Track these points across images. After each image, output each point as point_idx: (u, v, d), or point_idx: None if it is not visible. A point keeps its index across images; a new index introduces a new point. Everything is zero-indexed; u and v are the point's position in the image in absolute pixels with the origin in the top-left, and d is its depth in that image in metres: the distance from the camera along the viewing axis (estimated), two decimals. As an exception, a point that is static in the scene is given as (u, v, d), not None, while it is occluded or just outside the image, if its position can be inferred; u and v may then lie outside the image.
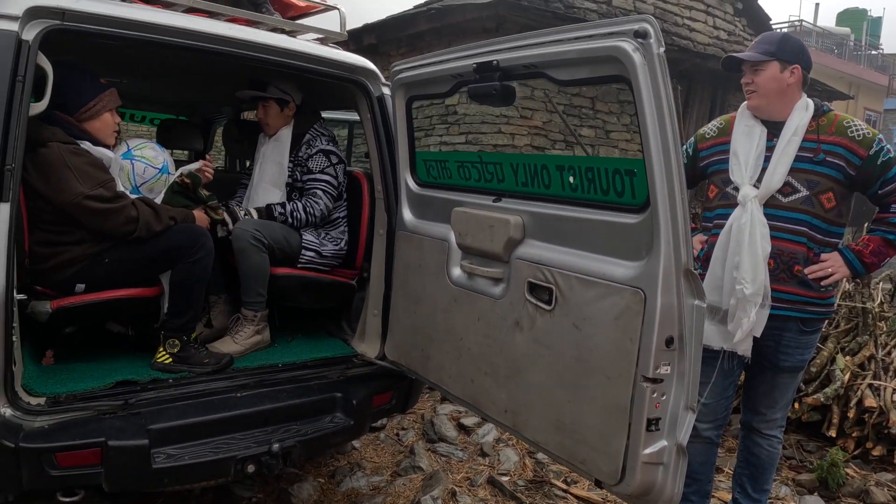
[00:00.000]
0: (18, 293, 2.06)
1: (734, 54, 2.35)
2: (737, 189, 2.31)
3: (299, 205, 3.01)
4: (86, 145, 2.41)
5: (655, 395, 1.66)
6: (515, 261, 2.09)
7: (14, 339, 2.02)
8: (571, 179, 1.97)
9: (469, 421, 3.74)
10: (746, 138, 2.32)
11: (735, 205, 2.30)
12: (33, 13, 2.02)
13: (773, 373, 2.45)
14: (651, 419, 1.66)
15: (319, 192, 3.03)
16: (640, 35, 1.57)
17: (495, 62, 2.03)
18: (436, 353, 2.46)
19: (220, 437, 2.29)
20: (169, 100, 4.59)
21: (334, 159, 3.10)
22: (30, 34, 2.02)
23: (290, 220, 2.99)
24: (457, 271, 2.36)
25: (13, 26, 1.97)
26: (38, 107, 2.19)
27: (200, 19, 2.47)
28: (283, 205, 3.01)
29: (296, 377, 2.64)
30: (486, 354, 2.19)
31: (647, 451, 1.67)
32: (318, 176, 3.05)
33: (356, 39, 7.91)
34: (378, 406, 2.74)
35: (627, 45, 1.60)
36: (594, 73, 1.79)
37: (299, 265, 2.98)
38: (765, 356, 2.40)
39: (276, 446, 2.28)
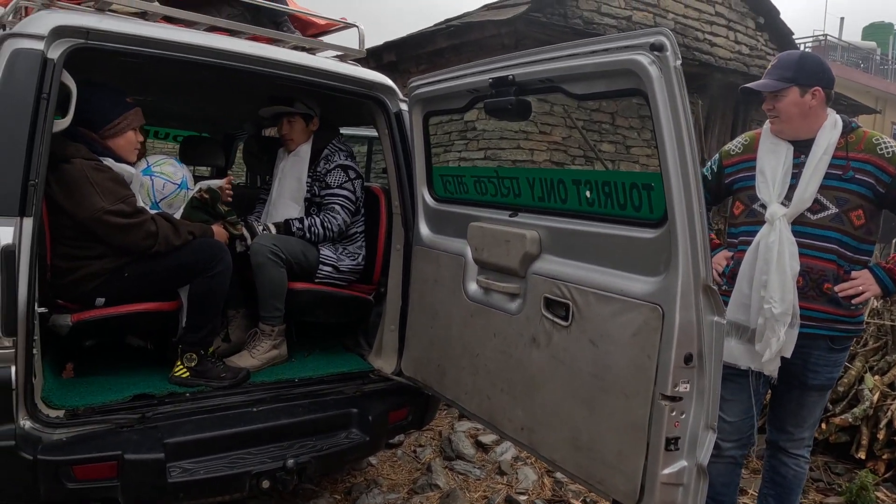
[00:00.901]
0: (40, 306, 2.09)
1: (749, 85, 2.31)
2: (763, 206, 2.27)
3: (317, 220, 3.02)
4: (108, 162, 2.45)
5: (674, 413, 1.62)
6: (532, 276, 2.07)
7: (35, 351, 2.05)
8: (588, 194, 1.96)
9: (487, 438, 3.70)
10: (773, 156, 2.29)
11: (761, 222, 2.26)
12: (58, 32, 2.07)
13: (800, 391, 2.39)
14: (670, 438, 1.62)
15: (337, 207, 3.05)
16: (657, 48, 1.56)
17: (511, 77, 2.03)
18: (452, 369, 2.44)
19: (235, 451, 2.29)
20: (191, 117, 4.66)
21: (352, 174, 3.11)
22: (55, 53, 2.06)
23: (307, 234, 3.00)
24: (473, 286, 2.35)
25: (38, 45, 2.02)
26: (62, 124, 2.23)
27: (222, 37, 2.51)
28: (300, 220, 3.03)
29: (312, 392, 2.64)
30: (502, 371, 2.17)
31: (667, 471, 1.63)
32: (336, 191, 3.07)
33: (376, 57, 7.99)
34: (394, 422, 2.72)
35: (643, 59, 1.59)
36: (610, 86, 1.78)
37: (317, 280, 2.99)
38: (792, 374, 2.35)
39: (291, 462, 2.27)
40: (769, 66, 2.33)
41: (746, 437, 2.46)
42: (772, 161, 2.28)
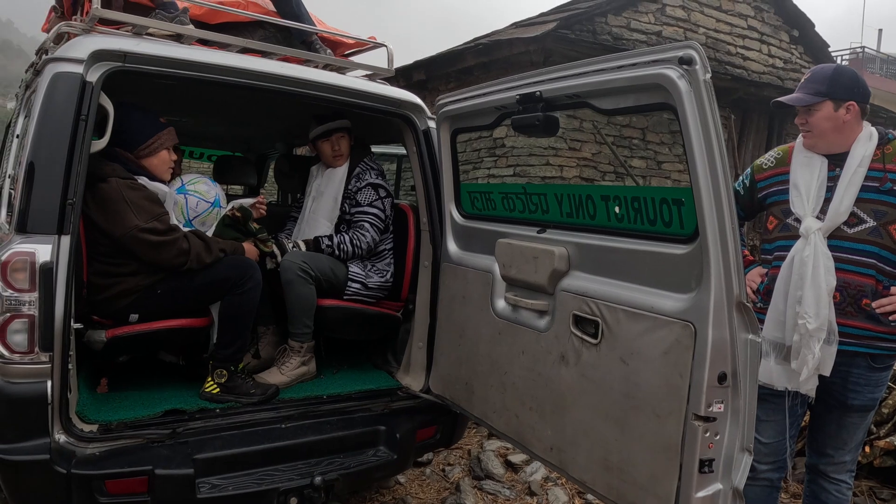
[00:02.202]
0: (75, 322, 2.14)
1: (781, 99, 2.27)
2: (798, 221, 2.22)
3: (346, 237, 3.04)
4: (142, 180, 2.50)
5: (708, 434, 1.58)
6: (560, 293, 2.05)
7: (70, 366, 2.09)
8: (617, 209, 1.93)
9: (517, 458, 3.65)
10: (807, 169, 2.24)
11: (796, 236, 2.20)
12: (97, 56, 2.14)
13: (840, 412, 2.31)
14: (704, 460, 1.58)
15: (367, 225, 3.06)
16: (685, 61, 1.54)
17: (538, 93, 2.03)
18: (480, 386, 2.41)
19: (263, 468, 2.30)
20: (225, 137, 4.76)
21: (382, 193, 3.13)
22: (93, 76, 2.13)
23: (337, 252, 3.02)
24: (501, 303, 2.33)
25: (78, 69, 2.08)
26: (99, 144, 2.29)
27: (254, 59, 2.57)
28: (330, 237, 3.05)
29: (340, 409, 2.63)
30: (530, 389, 2.14)
31: (701, 494, 1.58)
32: (367, 209, 3.09)
33: (406, 76, 8.08)
34: (422, 440, 2.70)
35: (672, 72, 1.57)
36: (639, 101, 1.76)
37: (345, 297, 3.00)
38: (831, 394, 2.27)
39: (318, 479, 2.27)
40: (802, 80, 2.28)
41: (783, 459, 2.38)
42: (806, 174, 2.23)
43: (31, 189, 1.99)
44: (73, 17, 2.62)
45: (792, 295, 2.15)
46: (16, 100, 2.90)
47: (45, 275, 1.94)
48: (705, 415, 1.57)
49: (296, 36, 2.97)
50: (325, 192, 3.19)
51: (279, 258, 2.92)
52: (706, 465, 1.58)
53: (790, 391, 2.20)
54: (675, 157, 7.32)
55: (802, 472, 2.74)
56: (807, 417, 2.45)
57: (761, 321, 2.09)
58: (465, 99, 2.47)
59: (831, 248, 2.14)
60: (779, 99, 2.28)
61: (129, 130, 2.52)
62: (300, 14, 2.94)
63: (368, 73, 2.98)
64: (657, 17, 7.26)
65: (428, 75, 8.04)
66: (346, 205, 3.15)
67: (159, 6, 2.48)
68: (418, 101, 2.89)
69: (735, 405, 1.59)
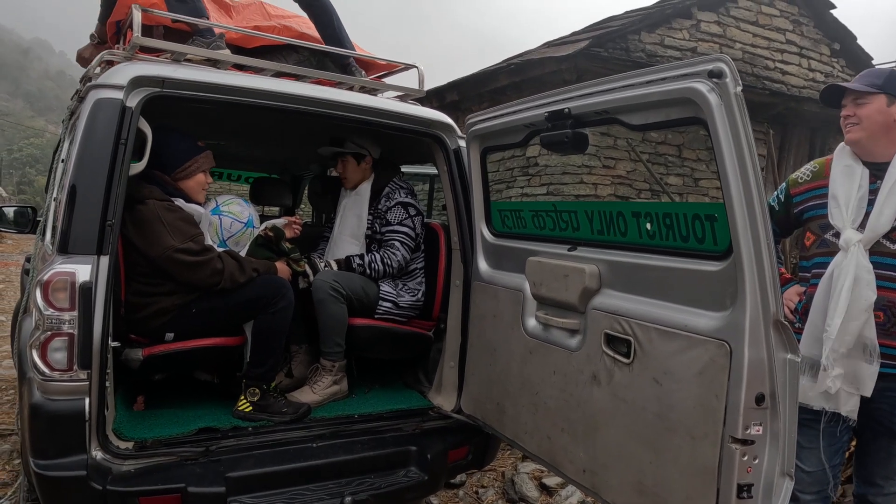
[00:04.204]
0: (113, 341, 2.19)
1: (838, 83, 2.22)
2: (837, 235, 2.13)
3: (377, 256, 3.06)
4: (179, 202, 2.57)
5: (746, 458, 1.52)
6: (592, 311, 2.02)
7: (108, 384, 2.13)
8: (649, 226, 1.90)
9: (551, 481, 3.58)
10: (847, 179, 2.16)
11: (836, 252, 2.12)
12: (136, 82, 2.21)
13: (888, 439, 2.20)
14: (742, 485, 1.52)
15: (397, 244, 3.08)
16: (715, 75, 1.51)
17: (567, 110, 2.02)
18: (511, 407, 2.38)
19: (294, 487, 2.30)
20: (261, 159, 4.86)
21: (412, 211, 3.15)
22: (133, 101, 2.20)
23: (367, 271, 3.04)
24: (532, 322, 2.30)
25: (118, 95, 2.16)
26: (138, 167, 2.36)
27: (288, 82, 2.62)
28: (361, 256, 3.08)
29: (371, 429, 2.63)
30: (562, 409, 2.10)
31: (740, 520, 1.52)
32: (397, 228, 3.10)
33: (439, 97, 8.15)
34: (454, 461, 2.67)
35: (702, 86, 1.55)
36: (669, 116, 1.74)
37: (377, 316, 3.01)
38: (877, 420, 2.17)
39: (349, 499, 2.27)
40: (856, 76, 2.22)
41: (828, 488, 2.27)
42: (846, 184, 2.15)
43: (72, 211, 2.05)
44: (116, 46, 2.73)
45: (830, 309, 2.07)
46: (62, 126, 3.01)
47: (84, 294, 1.99)
48: (743, 437, 1.51)
49: (331, 59, 3.03)
50: (351, 211, 3.23)
51: (311, 277, 2.95)
52: (745, 491, 1.52)
53: (826, 412, 2.11)
54: (713, 174, 7.18)
55: (850, 501, 2.61)
56: (854, 444, 2.34)
57: (799, 341, 2.02)
58: (495, 117, 2.47)
59: (874, 264, 2.06)
60: (835, 83, 2.22)
61: (167, 154, 2.59)
62: (341, 37, 3.01)
63: (400, 94, 3.02)
64: (692, 34, 7.19)
65: (461, 96, 8.10)
66: (376, 224, 3.17)
67: (197, 33, 2.55)
68: (449, 120, 2.90)
69: (774, 428, 1.53)
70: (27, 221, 4.02)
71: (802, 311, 2.23)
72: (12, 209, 4.16)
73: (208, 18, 2.69)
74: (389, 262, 3.04)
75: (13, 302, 7.44)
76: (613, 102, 1.85)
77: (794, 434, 1.54)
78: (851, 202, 2.11)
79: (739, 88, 1.50)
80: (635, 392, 1.80)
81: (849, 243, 2.07)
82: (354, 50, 3.07)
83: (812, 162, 2.38)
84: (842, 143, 2.24)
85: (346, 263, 3.06)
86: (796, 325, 2.23)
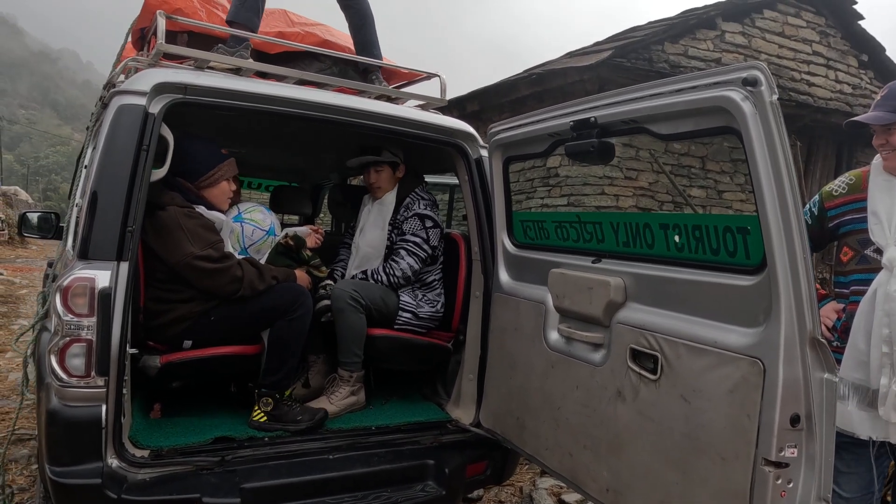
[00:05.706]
0: (131, 348, 2.17)
1: (856, 118, 2.13)
2: (879, 252, 2.05)
3: (380, 268, 3.03)
4: (200, 209, 2.56)
5: (780, 481, 1.45)
6: (617, 325, 1.96)
7: (125, 391, 2.12)
8: (677, 238, 1.84)
9: (571, 497, 3.50)
10: (887, 194, 2.08)
11: (876, 269, 2.03)
12: (159, 89, 2.20)
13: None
14: (776, 510, 1.45)
15: (403, 253, 3.03)
16: (750, 83, 1.46)
17: (593, 119, 1.98)
18: (532, 422, 2.33)
19: (309, 499, 2.26)
20: (281, 167, 4.87)
21: (428, 223, 3.09)
22: (156, 107, 2.19)
23: (371, 282, 3.01)
24: (554, 335, 2.25)
25: (141, 101, 2.15)
26: (159, 173, 2.36)
27: (310, 90, 2.61)
28: (365, 271, 3.05)
29: (388, 441, 2.58)
30: (585, 426, 2.04)
31: (773, 547, 1.45)
32: (407, 237, 3.06)
33: (460, 106, 8.14)
34: (472, 476, 2.62)
35: (736, 95, 1.50)
36: (699, 125, 1.69)
37: (396, 326, 2.97)
38: None
39: (364, 513, 2.22)
40: (878, 98, 2.14)
41: None
42: (886, 199, 2.06)
43: (93, 217, 2.04)
44: (140, 53, 2.74)
45: (876, 333, 1.98)
46: (87, 132, 3.03)
47: (103, 300, 1.98)
48: (777, 460, 1.45)
49: (352, 67, 3.01)
50: (373, 222, 3.20)
51: (331, 284, 2.93)
52: (779, 516, 1.45)
53: (875, 441, 2.02)
54: (737, 187, 7.08)
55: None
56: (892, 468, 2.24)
57: (838, 361, 1.94)
58: (518, 126, 2.43)
59: None
60: (854, 119, 2.13)
61: (191, 161, 2.59)
62: (372, 42, 3.00)
63: (422, 102, 3.00)
64: (716, 45, 7.11)
65: (482, 106, 8.08)
66: (393, 234, 3.14)
67: (227, 42, 2.56)
68: (470, 129, 2.87)
69: (810, 450, 1.47)
70: (51, 227, 4.07)
71: (842, 330, 2.14)
72: (36, 215, 4.22)
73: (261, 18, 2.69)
74: (392, 271, 3.00)
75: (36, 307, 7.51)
76: (641, 111, 1.81)
77: (832, 457, 1.48)
78: (894, 218, 2.03)
79: (775, 97, 1.45)
80: (662, 410, 1.74)
81: (893, 262, 1.98)
82: (382, 58, 3.05)
83: (847, 174, 2.30)
84: (878, 158, 2.16)
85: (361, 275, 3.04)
86: (835, 344, 2.15)
